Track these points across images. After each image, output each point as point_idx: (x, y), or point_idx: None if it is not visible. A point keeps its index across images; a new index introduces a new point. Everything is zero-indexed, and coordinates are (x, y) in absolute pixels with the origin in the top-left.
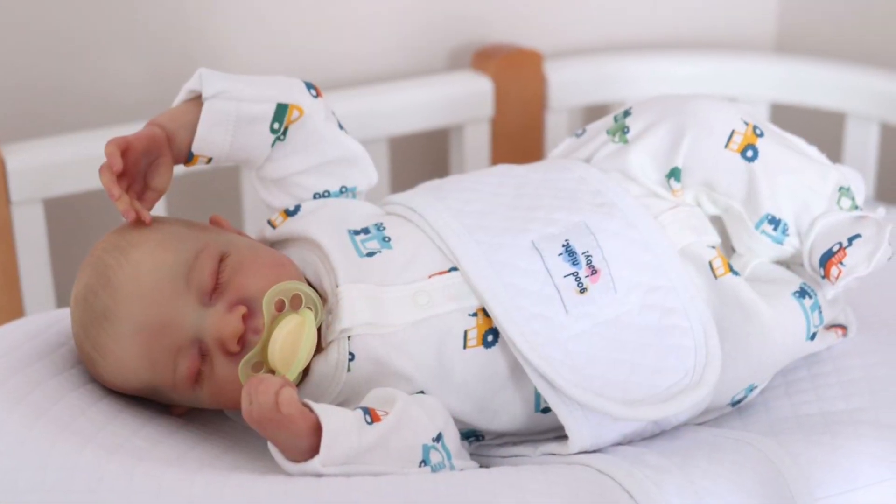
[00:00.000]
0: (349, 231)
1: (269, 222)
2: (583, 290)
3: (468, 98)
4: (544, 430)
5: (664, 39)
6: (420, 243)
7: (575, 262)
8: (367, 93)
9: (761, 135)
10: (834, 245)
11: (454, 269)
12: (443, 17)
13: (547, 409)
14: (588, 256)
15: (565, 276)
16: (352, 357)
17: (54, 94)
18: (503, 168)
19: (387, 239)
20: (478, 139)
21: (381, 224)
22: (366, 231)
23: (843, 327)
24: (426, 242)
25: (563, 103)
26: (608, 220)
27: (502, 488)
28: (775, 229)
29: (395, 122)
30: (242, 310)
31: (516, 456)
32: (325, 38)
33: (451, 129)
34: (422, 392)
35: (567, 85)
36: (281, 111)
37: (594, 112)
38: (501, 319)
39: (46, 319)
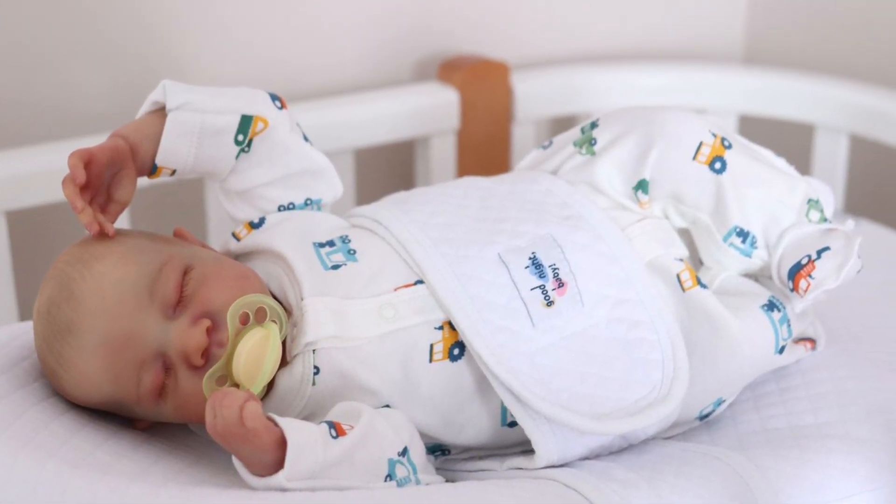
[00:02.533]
0: (314, 244)
1: (234, 235)
2: (550, 304)
3: (434, 110)
4: (511, 444)
5: (632, 51)
6: (386, 256)
7: (542, 275)
8: (332, 104)
9: (729, 147)
10: (803, 258)
11: (420, 281)
12: (409, 29)
13: (513, 423)
14: (555, 269)
15: (532, 290)
16: (317, 371)
17: (16, 106)
18: (469, 180)
19: (352, 252)
20: (444, 151)
21: (347, 237)
22: (331, 244)
23: (812, 340)
24: (392, 255)
25: (529, 115)
26: (575, 232)
27: (468, 502)
28: (743, 242)
29: (360, 134)
30: (206, 323)
31: (483, 470)
32: (290, 49)
33: (416, 140)
34: (387, 406)
35: (534, 96)
36: (245, 123)
37: (561, 124)
38: (467, 332)
39: (9, 333)
